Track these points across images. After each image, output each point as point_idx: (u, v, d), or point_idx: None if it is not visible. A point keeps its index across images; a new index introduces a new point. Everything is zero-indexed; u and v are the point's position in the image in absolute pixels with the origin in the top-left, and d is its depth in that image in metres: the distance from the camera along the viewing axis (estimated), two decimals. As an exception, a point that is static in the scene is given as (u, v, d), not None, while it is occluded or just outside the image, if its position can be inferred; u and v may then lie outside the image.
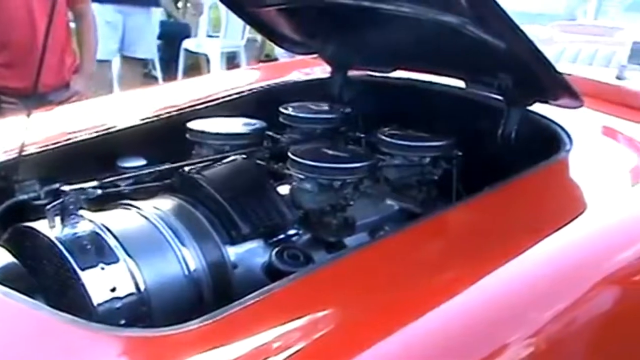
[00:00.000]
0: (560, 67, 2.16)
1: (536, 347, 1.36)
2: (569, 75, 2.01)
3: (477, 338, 1.28)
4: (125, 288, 1.46)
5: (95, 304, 1.43)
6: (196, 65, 7.21)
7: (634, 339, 1.58)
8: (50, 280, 1.47)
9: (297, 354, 1.15)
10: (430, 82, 2.20)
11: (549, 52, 3.44)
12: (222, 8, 6.15)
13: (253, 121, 2.02)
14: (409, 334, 1.22)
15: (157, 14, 6.11)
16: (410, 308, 1.27)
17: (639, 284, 1.61)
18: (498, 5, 1.59)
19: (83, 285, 1.43)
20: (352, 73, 2.32)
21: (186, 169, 1.79)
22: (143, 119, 2.13)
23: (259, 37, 7.00)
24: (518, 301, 1.38)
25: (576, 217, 1.64)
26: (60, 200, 1.49)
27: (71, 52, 3.65)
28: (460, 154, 1.93)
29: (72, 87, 3.53)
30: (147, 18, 5.47)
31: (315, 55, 2.37)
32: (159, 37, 7.04)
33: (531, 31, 3.29)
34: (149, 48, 5.75)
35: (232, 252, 1.62)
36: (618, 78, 2.72)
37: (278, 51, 5.81)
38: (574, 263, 1.52)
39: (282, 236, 1.68)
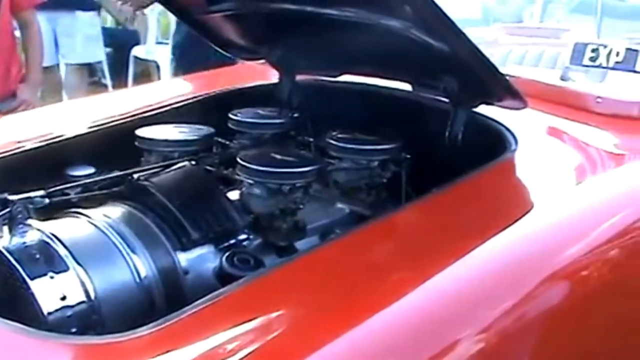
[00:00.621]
0: (506, 69, 2.22)
1: (486, 343, 1.38)
2: (514, 77, 2.07)
3: (426, 337, 1.30)
4: (76, 296, 1.46)
5: (45, 312, 1.42)
6: (146, 72, 7.17)
7: (580, 334, 1.61)
8: None
9: (248, 356, 1.16)
10: (378, 86, 2.22)
11: (496, 54, 3.51)
12: (171, 15, 6.12)
13: (202, 127, 2.03)
14: (358, 334, 1.24)
15: (97, 19, 6.08)
16: (359, 309, 1.29)
17: (585, 280, 1.65)
18: (440, 9, 1.62)
19: (32, 294, 1.42)
20: (300, 78, 2.34)
21: (135, 176, 1.79)
22: (91, 127, 2.12)
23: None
24: (466, 299, 1.40)
25: (522, 215, 1.67)
26: (8, 209, 1.49)
27: (18, 61, 3.62)
28: (408, 157, 1.95)
29: (19, 97, 3.50)
30: (73, 20, 5.42)
31: (262, 61, 2.38)
32: (108, 45, 7.00)
33: (476, 33, 3.35)
34: (90, 52, 5.70)
35: (183, 258, 1.62)
36: (562, 79, 2.78)
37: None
38: (521, 260, 1.55)
39: (232, 241, 1.69)
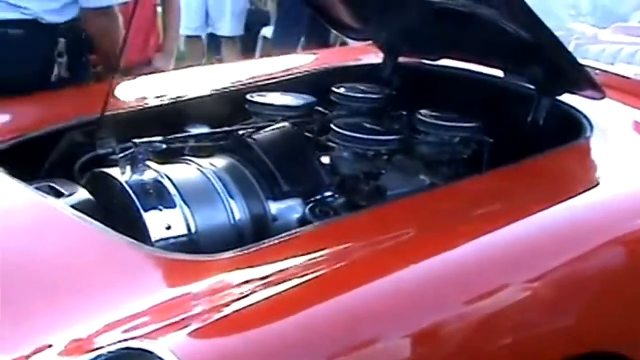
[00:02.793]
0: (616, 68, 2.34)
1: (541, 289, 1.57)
2: (597, 70, 2.20)
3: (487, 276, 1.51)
4: (179, 229, 1.73)
5: (153, 239, 1.69)
6: (274, 53, 7.40)
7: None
8: (118, 217, 1.74)
9: (314, 280, 1.39)
10: (472, 71, 2.39)
11: (607, 53, 3.57)
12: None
13: (305, 97, 2.26)
14: (416, 270, 1.45)
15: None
16: (418, 251, 1.51)
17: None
18: (526, 4, 1.79)
19: (144, 223, 1.70)
20: (403, 60, 2.53)
21: (240, 133, 2.04)
22: (210, 92, 2.38)
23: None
24: (521, 251, 1.59)
25: (586, 190, 1.83)
26: (132, 150, 1.77)
27: (157, 31, 3.91)
28: (491, 140, 2.11)
29: (154, 65, 3.80)
30: None
31: (370, 42, 2.59)
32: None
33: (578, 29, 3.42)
34: (235, 27, 6.04)
35: (274, 207, 1.86)
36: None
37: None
38: (582, 224, 1.73)
39: (319, 197, 1.90)
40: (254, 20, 7.50)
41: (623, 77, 2.46)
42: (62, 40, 2.53)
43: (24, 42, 2.52)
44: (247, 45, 7.08)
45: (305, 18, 5.33)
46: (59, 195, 1.75)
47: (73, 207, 1.68)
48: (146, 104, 2.28)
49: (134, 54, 3.51)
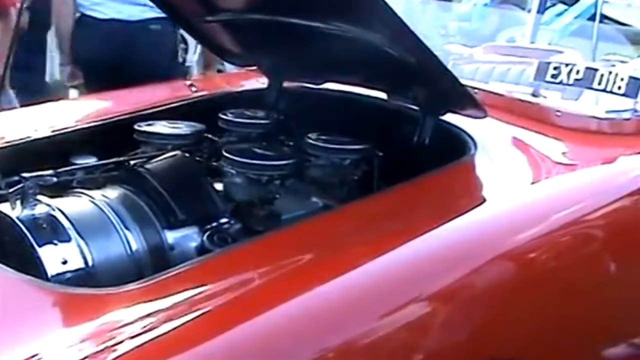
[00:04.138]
0: (489, 85, 2.42)
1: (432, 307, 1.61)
2: (479, 90, 2.29)
3: (374, 300, 1.53)
4: (75, 262, 1.69)
5: (49, 274, 1.65)
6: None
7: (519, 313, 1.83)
8: (11, 253, 1.69)
9: (217, 308, 1.39)
10: (356, 94, 2.44)
11: (481, 71, 3.71)
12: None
13: (194, 124, 2.25)
14: (311, 296, 1.47)
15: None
16: (314, 276, 1.53)
17: (526, 264, 1.87)
18: (407, 26, 1.85)
19: (39, 257, 1.65)
20: (287, 84, 2.56)
21: (131, 163, 2.02)
22: (95, 122, 2.34)
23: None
24: (413, 272, 1.63)
25: (473, 207, 1.89)
26: (21, 185, 1.72)
27: None
28: (381, 154, 2.16)
29: None
30: None
31: (254, 68, 2.61)
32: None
33: (456, 50, 3.55)
34: None
35: (170, 236, 1.85)
36: (534, 95, 2.98)
37: (228, 66, 6.01)
38: (468, 242, 1.78)
39: (214, 224, 1.90)
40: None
41: (500, 95, 2.57)
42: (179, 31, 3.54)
43: (162, 34, 3.57)
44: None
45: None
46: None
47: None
48: (29, 135, 2.22)
49: None
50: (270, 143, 2.26)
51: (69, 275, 1.67)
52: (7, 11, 3.82)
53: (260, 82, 2.64)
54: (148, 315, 1.38)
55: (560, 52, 4.27)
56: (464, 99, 2.08)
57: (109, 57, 3.55)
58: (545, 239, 1.89)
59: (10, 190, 1.73)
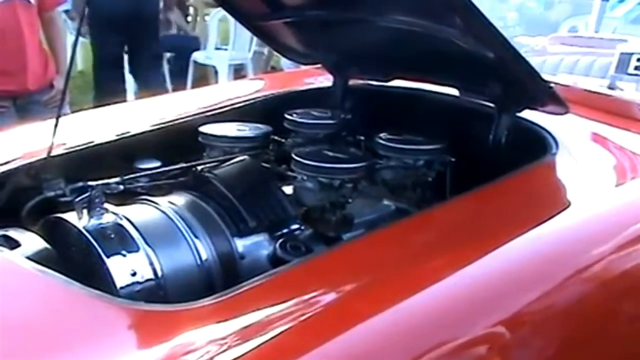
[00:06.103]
0: (557, 77, 2.30)
1: (511, 330, 1.50)
2: (558, 84, 2.17)
3: (455, 319, 1.43)
4: (145, 273, 1.62)
5: (117, 286, 1.58)
6: (204, 77, 7.36)
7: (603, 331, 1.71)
8: (78, 265, 1.62)
9: (293, 328, 1.30)
10: (426, 90, 2.34)
11: (549, 63, 3.59)
12: (231, 21, 6.31)
13: (260, 126, 2.18)
14: (392, 314, 1.37)
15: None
16: (396, 291, 1.42)
17: (616, 276, 1.75)
18: (486, 18, 1.74)
19: (107, 269, 1.59)
20: (352, 82, 2.47)
21: (198, 168, 1.94)
22: (158, 125, 2.28)
23: (265, 49, 7.14)
24: (496, 287, 1.52)
25: (557, 213, 1.77)
26: (88, 194, 1.65)
27: (48, 54, 3.86)
28: (453, 159, 2.06)
29: (57, 87, 3.74)
30: None
31: (318, 66, 2.52)
32: (170, 50, 7.22)
33: (525, 42, 3.43)
34: None
35: (240, 244, 1.77)
36: (610, 88, 2.86)
37: (284, 63, 5.99)
38: (553, 254, 1.66)
39: (285, 230, 1.82)
40: (184, 45, 7.44)
41: (584, 90, 2.44)
42: None
43: None
44: (180, 70, 7.02)
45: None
46: (13, 245, 1.63)
47: (30, 258, 1.56)
48: (92, 140, 2.16)
49: (38, 79, 3.68)
50: (338, 144, 2.18)
51: (138, 287, 1.60)
52: (51, 8, 3.86)
53: (319, 80, 2.57)
54: (225, 335, 1.29)
55: (625, 40, 4.13)
56: (542, 93, 1.96)
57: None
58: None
59: (77, 199, 1.66)
